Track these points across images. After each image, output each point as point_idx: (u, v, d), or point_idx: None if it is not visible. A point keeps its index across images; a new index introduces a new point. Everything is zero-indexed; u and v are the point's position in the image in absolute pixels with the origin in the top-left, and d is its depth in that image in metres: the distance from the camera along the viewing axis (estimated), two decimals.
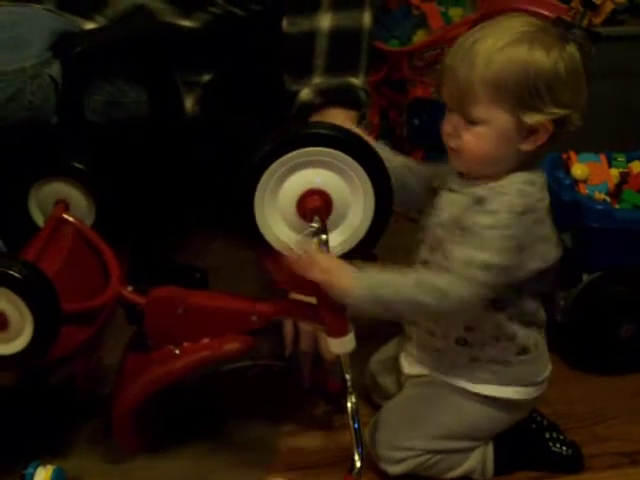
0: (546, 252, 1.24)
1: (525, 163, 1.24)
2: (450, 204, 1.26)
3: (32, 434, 1.39)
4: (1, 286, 1.23)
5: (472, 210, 1.21)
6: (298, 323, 1.45)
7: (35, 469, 1.32)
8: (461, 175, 1.27)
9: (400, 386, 1.40)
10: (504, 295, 1.25)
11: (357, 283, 1.19)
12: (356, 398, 1.31)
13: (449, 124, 1.23)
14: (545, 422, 1.40)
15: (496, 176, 1.23)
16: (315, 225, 1.23)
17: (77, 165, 1.46)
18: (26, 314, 1.24)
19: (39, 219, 1.50)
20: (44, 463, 1.33)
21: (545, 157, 1.60)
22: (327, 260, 1.21)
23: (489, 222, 1.19)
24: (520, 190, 1.21)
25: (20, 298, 1.23)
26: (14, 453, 1.36)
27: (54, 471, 1.32)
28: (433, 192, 1.31)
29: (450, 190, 1.28)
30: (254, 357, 1.40)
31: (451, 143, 1.24)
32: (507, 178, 1.23)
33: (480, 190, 1.23)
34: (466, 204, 1.23)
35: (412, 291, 1.18)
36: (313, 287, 1.22)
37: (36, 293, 1.24)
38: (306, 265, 1.20)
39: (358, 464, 1.29)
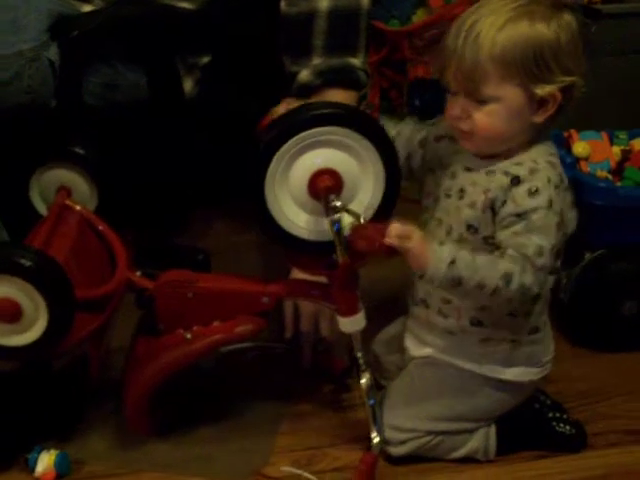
0: (573, 218, 1.27)
1: (537, 135, 1.25)
2: (473, 184, 1.26)
3: (35, 419, 1.38)
4: (14, 276, 1.22)
5: (513, 192, 1.21)
6: (298, 304, 1.46)
7: (39, 454, 1.33)
8: (477, 154, 1.27)
9: (404, 366, 1.40)
10: None
11: (436, 255, 1.18)
12: (370, 375, 1.32)
13: (457, 107, 1.23)
14: (548, 401, 1.40)
15: (512, 151, 1.24)
16: (337, 204, 1.22)
17: (78, 150, 1.46)
18: (40, 303, 1.24)
19: (40, 206, 1.49)
20: (48, 447, 1.34)
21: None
22: (414, 230, 1.19)
23: (540, 203, 1.19)
24: (549, 162, 1.23)
25: (34, 287, 1.23)
26: (18, 438, 1.36)
27: (58, 455, 1.32)
28: (426, 169, 1.32)
29: (468, 170, 1.27)
30: (254, 339, 1.40)
31: (462, 126, 1.23)
32: (531, 153, 1.24)
33: (508, 167, 1.23)
34: (501, 184, 1.22)
35: (482, 270, 1.18)
36: (328, 264, 1.25)
37: (50, 282, 1.24)
38: (393, 230, 1.17)
39: (376, 440, 1.30)
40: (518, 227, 1.20)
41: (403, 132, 1.35)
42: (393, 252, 1.18)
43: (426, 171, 1.34)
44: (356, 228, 1.21)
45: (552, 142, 1.28)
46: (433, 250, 1.18)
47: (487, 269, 1.18)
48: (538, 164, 1.22)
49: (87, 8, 1.55)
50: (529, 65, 1.18)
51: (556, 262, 1.26)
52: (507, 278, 1.17)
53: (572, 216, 1.27)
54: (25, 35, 1.39)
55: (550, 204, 1.20)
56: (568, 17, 1.21)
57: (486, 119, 1.21)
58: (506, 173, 1.22)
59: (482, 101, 1.21)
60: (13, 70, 1.38)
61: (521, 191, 1.21)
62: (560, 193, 1.21)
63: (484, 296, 1.19)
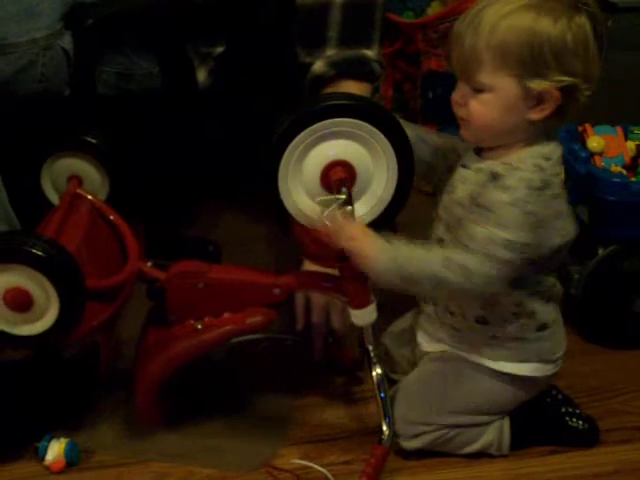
0: (564, 228, 1.24)
1: (537, 135, 1.23)
2: (463, 181, 1.26)
3: (45, 407, 1.38)
4: (25, 265, 1.22)
5: (488, 187, 1.21)
6: (309, 296, 1.45)
7: (48, 442, 1.33)
8: (477, 153, 1.26)
9: (414, 359, 1.39)
10: (523, 273, 1.24)
11: (383, 253, 1.18)
12: (381, 369, 1.32)
13: (458, 93, 1.23)
14: (560, 396, 1.40)
15: (509, 150, 1.23)
16: (343, 196, 1.22)
17: (90, 139, 1.46)
18: (51, 293, 1.24)
19: (52, 195, 1.49)
20: (57, 436, 1.34)
21: (560, 129, 1.60)
22: (354, 228, 1.21)
23: (506, 198, 1.18)
24: (536, 165, 1.21)
25: (45, 277, 1.23)
26: (28, 426, 1.36)
27: (67, 444, 1.33)
28: (450, 169, 1.31)
29: (463, 166, 1.27)
30: (265, 330, 1.40)
31: (460, 112, 1.23)
32: (521, 152, 1.22)
33: (495, 166, 1.22)
34: (481, 180, 1.22)
35: (437, 267, 1.18)
36: (339, 256, 1.23)
37: (61, 271, 1.23)
38: (333, 232, 1.19)
39: (387, 433, 1.31)
40: (481, 217, 1.19)
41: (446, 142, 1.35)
42: (342, 254, 1.20)
43: (445, 164, 1.33)
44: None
45: (557, 145, 1.24)
46: (377, 246, 1.19)
47: (433, 263, 1.18)
48: (521, 164, 1.20)
49: None
50: (525, 57, 1.16)
51: (550, 262, 1.25)
52: (465, 271, 1.17)
53: (560, 226, 1.24)
54: (39, 23, 1.39)
55: (524, 203, 1.18)
56: (582, 19, 1.18)
57: (480, 108, 1.20)
58: (489, 170, 1.22)
59: (478, 89, 1.20)
60: (27, 58, 1.38)
61: (495, 186, 1.20)
62: (538, 196, 1.19)
63: (443, 290, 1.20)
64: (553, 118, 1.21)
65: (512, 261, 1.18)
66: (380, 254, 1.19)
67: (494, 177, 1.21)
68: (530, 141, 1.23)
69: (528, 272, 1.24)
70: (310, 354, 1.50)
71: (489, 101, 1.20)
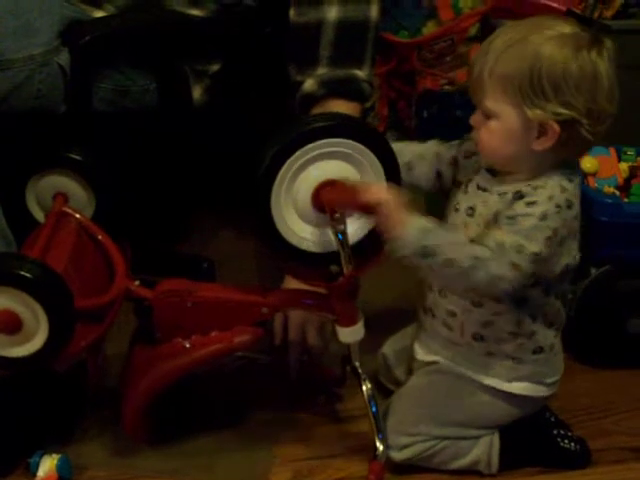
0: (575, 249, 1.26)
1: (548, 165, 1.23)
2: (484, 204, 1.26)
3: (37, 423, 1.38)
4: (12, 287, 1.21)
5: (513, 204, 1.21)
6: (286, 313, 1.45)
7: (40, 458, 1.33)
8: (492, 173, 1.27)
9: (411, 373, 1.40)
10: (531, 294, 1.26)
11: (411, 221, 1.17)
12: (371, 384, 1.33)
13: (475, 117, 1.24)
14: (553, 418, 1.40)
15: (525, 176, 1.23)
16: (339, 215, 1.22)
17: (75, 156, 1.46)
18: (40, 314, 1.22)
19: (37, 213, 1.49)
20: (49, 452, 1.34)
21: None
22: (392, 191, 1.20)
23: (528, 211, 1.19)
24: (560, 186, 1.22)
25: (33, 299, 1.21)
26: (19, 442, 1.36)
27: (59, 459, 1.32)
28: (457, 185, 1.32)
29: (481, 188, 1.27)
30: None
31: (474, 135, 1.25)
32: (547, 177, 1.22)
33: (520, 186, 1.22)
34: (507, 200, 1.22)
35: (454, 247, 1.18)
36: (329, 276, 1.23)
37: (50, 293, 1.22)
38: (371, 187, 1.19)
39: (381, 448, 1.31)
40: (505, 226, 1.19)
41: (430, 150, 1.36)
42: (365, 208, 1.19)
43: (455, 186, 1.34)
44: (329, 183, 1.22)
45: (576, 172, 1.25)
46: (409, 215, 1.18)
47: (459, 247, 1.18)
48: (546, 184, 1.21)
49: (99, 14, 1.55)
50: (523, 86, 1.17)
51: (558, 285, 1.27)
52: (476, 262, 1.17)
53: (574, 247, 1.26)
54: (36, 39, 1.39)
55: (544, 217, 1.19)
56: (594, 56, 1.18)
57: (487, 135, 1.22)
58: (514, 190, 1.22)
59: (487, 115, 1.21)
60: (23, 74, 1.38)
61: (520, 202, 1.21)
62: (561, 214, 1.20)
63: (451, 276, 1.19)
64: (559, 150, 1.21)
65: (520, 266, 1.18)
66: (409, 220, 1.17)
67: (518, 195, 1.21)
68: (541, 170, 1.23)
69: (536, 294, 1.26)
70: (286, 372, 1.49)
71: (494, 128, 1.21)
